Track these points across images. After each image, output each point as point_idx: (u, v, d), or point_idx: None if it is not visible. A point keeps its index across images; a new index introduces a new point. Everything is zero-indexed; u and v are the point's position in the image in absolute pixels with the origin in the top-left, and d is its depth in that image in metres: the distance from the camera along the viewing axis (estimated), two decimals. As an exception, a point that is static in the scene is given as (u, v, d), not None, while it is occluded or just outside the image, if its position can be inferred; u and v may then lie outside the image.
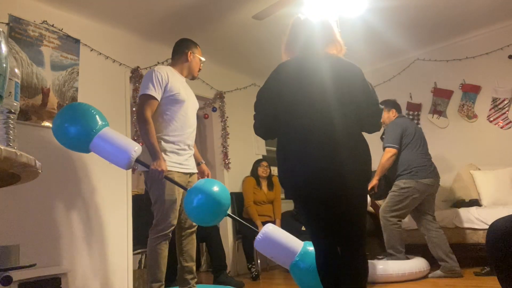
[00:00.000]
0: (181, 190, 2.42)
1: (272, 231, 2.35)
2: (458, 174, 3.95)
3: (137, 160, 2.23)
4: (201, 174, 2.70)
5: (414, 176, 3.12)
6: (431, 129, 4.48)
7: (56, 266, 2.71)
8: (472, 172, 3.83)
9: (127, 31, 3.62)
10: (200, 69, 2.69)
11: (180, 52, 2.62)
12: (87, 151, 2.25)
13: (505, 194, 3.54)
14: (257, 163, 4.37)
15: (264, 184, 4.30)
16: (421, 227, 3.21)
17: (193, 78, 2.70)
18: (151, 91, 2.35)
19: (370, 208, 3.80)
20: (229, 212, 2.32)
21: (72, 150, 2.41)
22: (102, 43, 3.40)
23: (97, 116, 2.26)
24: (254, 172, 4.33)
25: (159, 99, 2.38)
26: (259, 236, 2.33)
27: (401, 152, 3.23)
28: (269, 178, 4.34)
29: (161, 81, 2.38)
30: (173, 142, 2.42)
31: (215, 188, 2.22)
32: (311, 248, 2.25)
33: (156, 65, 3.67)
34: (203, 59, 2.69)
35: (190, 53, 2.60)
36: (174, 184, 2.33)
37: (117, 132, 2.29)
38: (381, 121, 3.47)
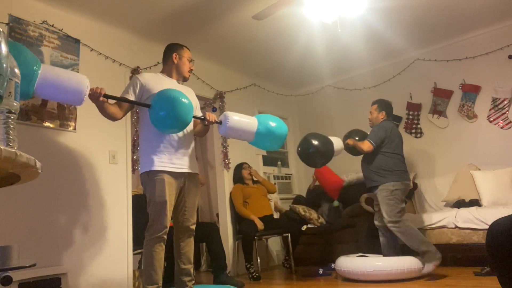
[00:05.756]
0: (173, 192, 2.39)
1: (233, 119, 2.54)
2: (458, 174, 3.94)
3: None
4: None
5: (400, 178, 3.27)
6: (431, 129, 4.48)
7: (56, 266, 2.71)
8: (472, 172, 3.83)
9: (127, 31, 3.62)
10: (191, 69, 2.70)
11: (166, 56, 2.67)
12: (28, 96, 1.93)
13: (505, 194, 3.54)
14: (239, 168, 4.34)
15: (250, 183, 4.29)
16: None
17: (184, 79, 2.71)
18: (123, 93, 2.48)
19: (369, 208, 3.79)
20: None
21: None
22: (102, 43, 3.40)
23: (29, 53, 1.91)
24: (238, 177, 4.32)
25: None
26: (223, 126, 2.55)
27: (382, 157, 3.32)
28: (253, 180, 4.34)
29: (134, 86, 2.47)
30: (161, 140, 2.41)
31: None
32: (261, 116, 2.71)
33: (156, 65, 3.68)
34: (192, 59, 2.71)
35: (176, 55, 2.63)
36: (119, 100, 2.37)
37: (55, 67, 2.13)
38: (369, 118, 3.56)
